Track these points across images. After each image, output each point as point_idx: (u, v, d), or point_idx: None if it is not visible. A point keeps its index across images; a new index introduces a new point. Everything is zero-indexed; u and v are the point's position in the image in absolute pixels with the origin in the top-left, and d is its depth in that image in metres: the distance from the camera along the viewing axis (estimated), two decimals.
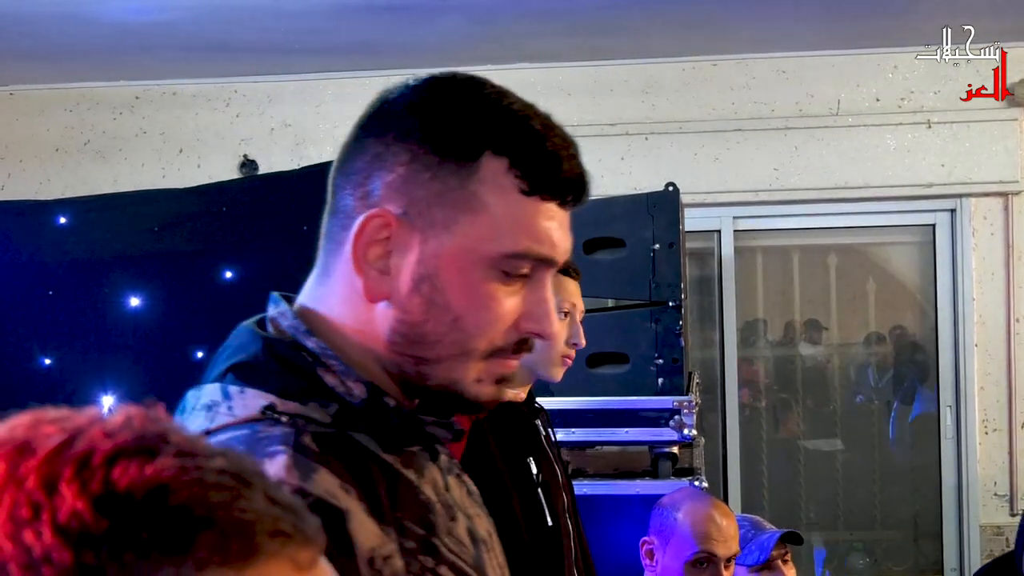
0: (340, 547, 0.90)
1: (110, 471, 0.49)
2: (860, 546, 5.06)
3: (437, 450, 1.09)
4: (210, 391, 1.01)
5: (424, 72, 1.04)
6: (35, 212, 3.54)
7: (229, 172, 4.73)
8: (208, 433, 0.97)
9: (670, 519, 2.48)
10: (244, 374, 1.00)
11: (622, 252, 3.10)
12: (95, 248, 3.47)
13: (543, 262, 1.01)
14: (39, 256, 3.47)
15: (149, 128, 4.88)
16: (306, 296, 1.06)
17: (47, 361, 3.38)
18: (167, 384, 3.30)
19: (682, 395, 3.14)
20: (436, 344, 1.00)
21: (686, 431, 3.10)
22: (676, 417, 3.09)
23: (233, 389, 0.99)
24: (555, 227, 1.01)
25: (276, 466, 0.91)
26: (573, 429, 3.12)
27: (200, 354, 3.34)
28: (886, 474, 5.09)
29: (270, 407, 0.97)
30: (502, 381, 1.04)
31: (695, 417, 3.12)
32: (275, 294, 1.07)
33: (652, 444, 3.18)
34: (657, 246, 3.14)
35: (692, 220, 3.96)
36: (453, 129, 0.98)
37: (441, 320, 1.00)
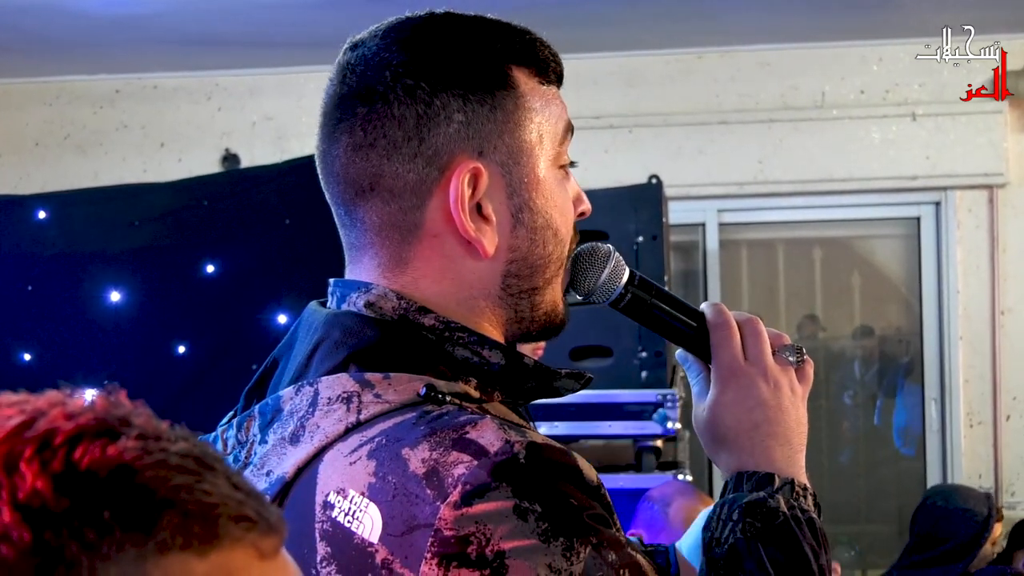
0: (581, 484, 0.89)
1: (71, 451, 0.48)
2: (845, 539, 5.07)
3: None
4: (335, 383, 0.94)
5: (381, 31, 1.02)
6: (14, 207, 3.51)
7: (211, 166, 4.71)
8: (359, 424, 0.92)
9: (659, 514, 2.47)
10: (374, 360, 0.95)
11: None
12: (75, 243, 3.45)
13: (571, 131, 1.06)
14: (18, 251, 3.44)
15: (130, 122, 4.85)
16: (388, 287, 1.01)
17: (27, 357, 3.35)
18: (149, 379, 3.27)
19: (665, 388, 3.14)
20: (546, 267, 1.02)
21: (670, 424, 3.09)
22: (660, 410, 3.08)
23: (373, 376, 0.93)
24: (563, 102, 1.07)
25: (488, 429, 0.88)
26: (556, 423, 3.11)
27: (182, 348, 3.32)
28: (871, 468, 5.09)
29: (432, 387, 0.93)
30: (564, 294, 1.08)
31: (679, 410, 3.11)
32: (345, 280, 1.02)
33: (636, 438, 3.17)
34: (640, 239, 3.13)
35: (677, 213, 3.95)
36: (482, 61, 1.00)
37: (546, 240, 1.01)
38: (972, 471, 4.64)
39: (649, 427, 3.11)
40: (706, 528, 1.03)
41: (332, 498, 0.90)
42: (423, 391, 0.92)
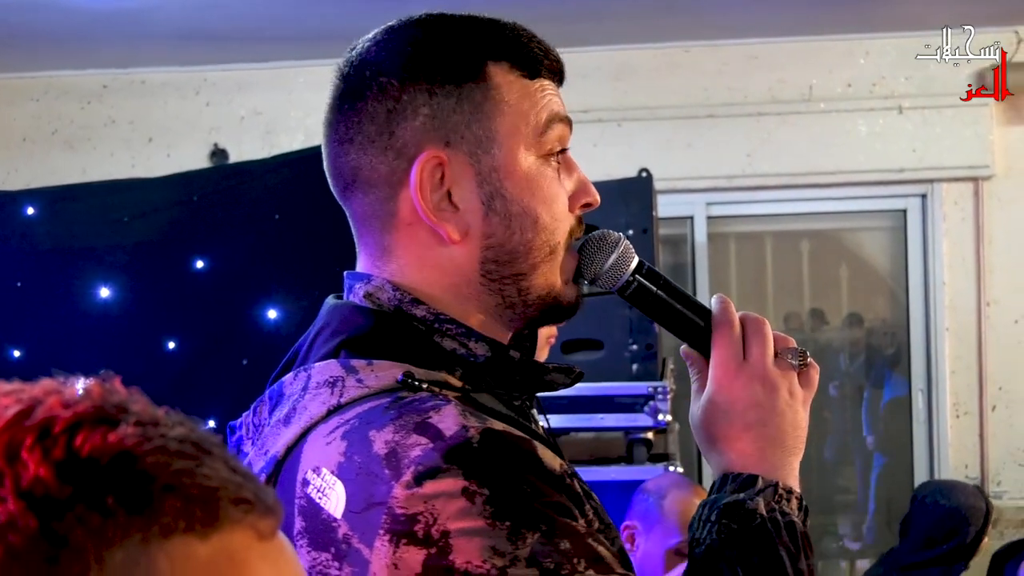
0: (538, 472, 0.91)
1: (72, 439, 0.48)
2: (834, 529, 5.09)
3: (528, 404, 1.10)
4: (324, 369, 0.99)
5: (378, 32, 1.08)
6: (2, 202, 3.50)
7: (199, 161, 4.70)
8: (340, 407, 0.96)
9: (654, 506, 2.47)
10: (361, 348, 1.00)
11: None
12: (64, 239, 3.44)
13: (564, 122, 1.07)
14: (7, 247, 3.43)
15: (118, 117, 4.84)
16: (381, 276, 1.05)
17: (16, 353, 3.35)
18: (139, 374, 3.26)
19: (656, 381, 3.15)
20: (528, 252, 1.03)
21: (661, 417, 3.10)
22: (651, 403, 3.10)
23: (358, 363, 0.98)
24: (557, 95, 1.09)
25: (449, 415, 0.91)
26: (548, 416, 3.12)
27: (172, 344, 3.32)
28: (858, 458, 5.12)
29: (409, 375, 0.96)
30: (573, 280, 1.09)
31: (670, 403, 3.13)
32: (354, 272, 1.07)
33: (627, 430, 3.18)
34: (630, 232, 3.14)
35: (665, 206, 3.96)
36: (454, 56, 1.03)
37: (524, 227, 1.03)
38: (958, 462, 4.67)
39: (640, 419, 3.13)
40: (690, 528, 1.05)
41: (309, 476, 0.95)
42: (400, 377, 0.96)
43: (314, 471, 0.94)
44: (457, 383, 1.00)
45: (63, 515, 0.46)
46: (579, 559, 0.89)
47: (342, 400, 0.97)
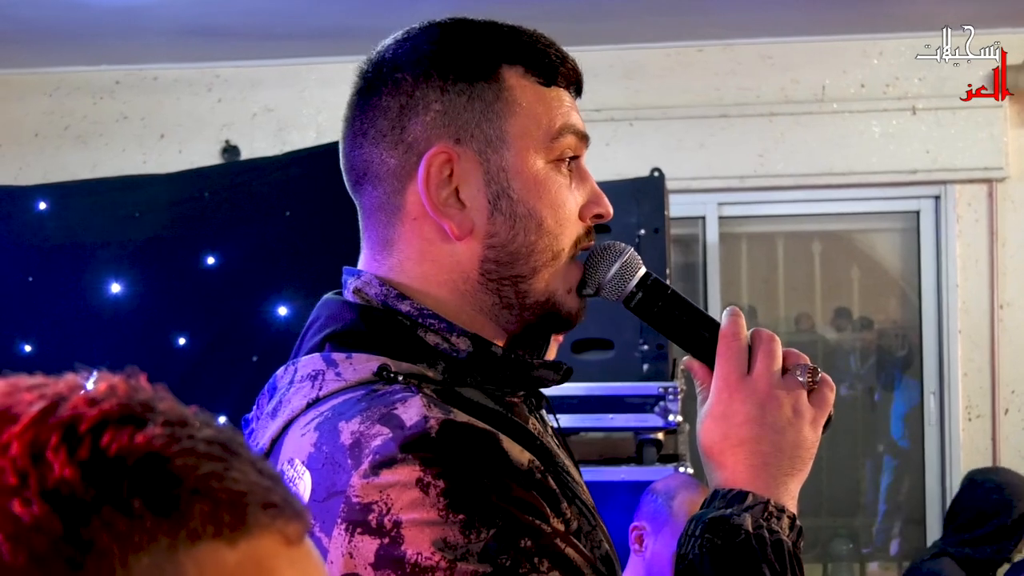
0: (501, 466, 0.91)
1: (98, 438, 0.46)
2: (843, 532, 5.07)
3: (535, 402, 1.10)
4: (309, 362, 1.01)
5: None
6: (14, 197, 3.50)
7: (211, 158, 4.70)
8: (318, 400, 0.98)
9: (663, 507, 2.47)
10: (345, 342, 1.01)
11: (607, 238, 3.08)
12: (75, 234, 3.44)
13: (578, 136, 1.07)
14: (19, 242, 3.43)
15: (130, 113, 4.84)
16: (376, 272, 1.06)
17: (27, 348, 3.35)
18: (149, 370, 3.25)
19: (667, 381, 3.14)
20: (530, 255, 1.03)
21: (671, 417, 3.09)
22: (661, 403, 3.09)
23: (338, 356, 1.00)
24: (574, 108, 1.09)
25: (414, 406, 0.92)
26: (557, 415, 3.11)
27: (182, 340, 3.32)
28: (869, 460, 5.10)
29: (384, 367, 0.97)
30: (576, 290, 1.09)
31: (680, 403, 3.12)
32: (350, 268, 1.08)
33: (637, 430, 3.17)
34: (642, 232, 3.13)
35: (677, 206, 3.95)
36: (469, 56, 1.04)
37: (528, 229, 1.03)
38: (970, 464, 4.64)
39: (650, 419, 3.11)
40: (679, 544, 1.03)
41: (285, 467, 0.96)
42: (376, 370, 0.97)
43: (288, 462, 0.96)
44: (436, 376, 1.00)
45: (88, 518, 0.45)
46: (541, 559, 0.88)
47: (320, 393, 0.98)
